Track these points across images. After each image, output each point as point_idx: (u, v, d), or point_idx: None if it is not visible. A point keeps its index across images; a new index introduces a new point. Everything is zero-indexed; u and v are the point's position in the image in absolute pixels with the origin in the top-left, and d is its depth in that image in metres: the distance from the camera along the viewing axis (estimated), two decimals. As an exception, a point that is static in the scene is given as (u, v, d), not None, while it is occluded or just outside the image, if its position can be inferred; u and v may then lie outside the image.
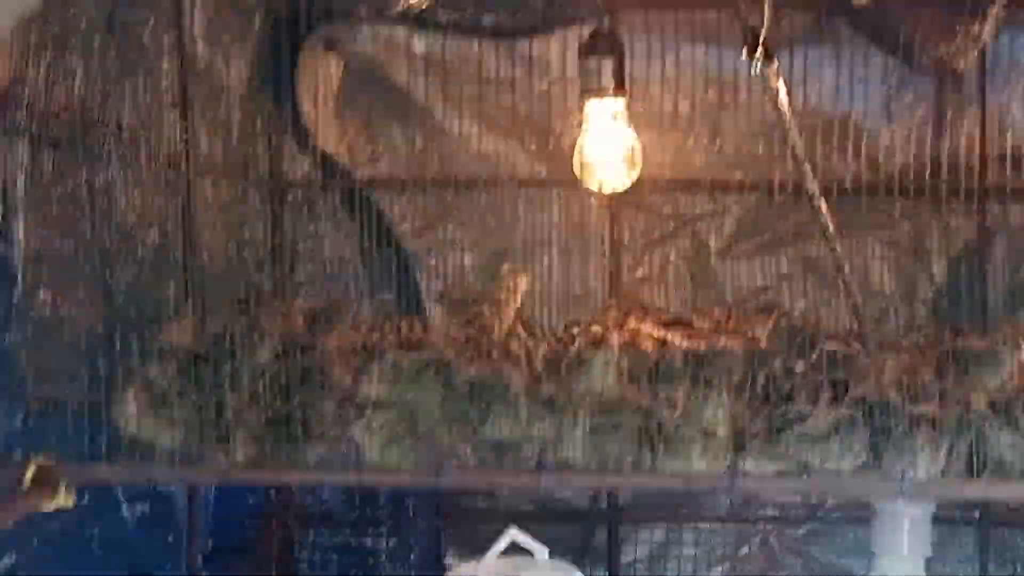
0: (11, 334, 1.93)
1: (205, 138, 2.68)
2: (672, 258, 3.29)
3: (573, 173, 2.89)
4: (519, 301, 2.80)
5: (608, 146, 2.69)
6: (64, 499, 1.71)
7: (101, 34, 2.16)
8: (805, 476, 1.74)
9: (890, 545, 2.33)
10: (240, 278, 2.73)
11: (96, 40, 2.15)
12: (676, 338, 2.33)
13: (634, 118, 2.74)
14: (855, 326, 2.45)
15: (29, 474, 1.69)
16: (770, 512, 3.27)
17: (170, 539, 2.42)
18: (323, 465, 1.72)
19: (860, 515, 3.14)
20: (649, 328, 2.52)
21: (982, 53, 2.94)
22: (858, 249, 3.19)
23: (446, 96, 3.20)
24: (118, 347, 1.95)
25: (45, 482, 1.70)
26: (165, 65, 2.33)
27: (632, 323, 2.60)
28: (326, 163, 3.17)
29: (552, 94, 3.04)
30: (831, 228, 2.47)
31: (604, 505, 3.26)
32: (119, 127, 2.21)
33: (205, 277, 2.42)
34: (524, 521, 2.52)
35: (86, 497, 2.18)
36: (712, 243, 3.29)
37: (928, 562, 2.40)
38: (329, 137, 3.17)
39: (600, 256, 3.17)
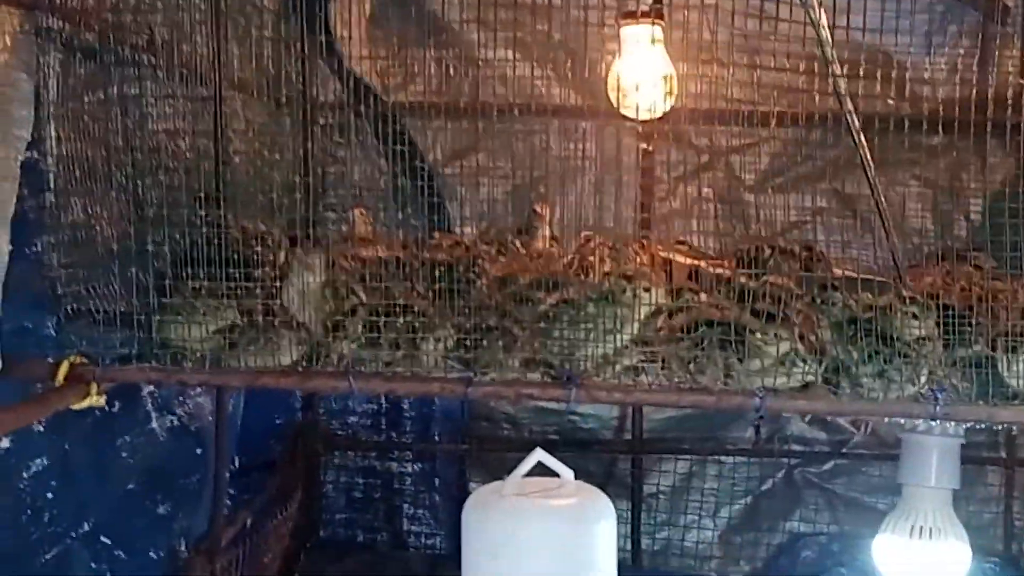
0: (44, 239, 1.93)
1: (236, 56, 2.66)
2: (704, 191, 3.26)
3: (606, 103, 2.86)
4: (549, 232, 2.80)
5: (644, 72, 2.65)
6: (95, 398, 1.73)
7: (134, -58, 2.14)
8: (835, 397, 1.71)
9: (918, 476, 2.32)
10: (270, 197, 2.72)
11: (129, -52, 2.12)
12: (709, 266, 2.31)
13: (670, 48, 2.70)
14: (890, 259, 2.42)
15: (62, 372, 1.71)
16: (795, 447, 3.27)
17: (198, 451, 2.44)
18: (353, 372, 1.72)
19: (884, 453, 3.15)
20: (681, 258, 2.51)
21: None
22: (894, 185, 3.16)
23: (480, 21, 3.16)
24: (151, 257, 1.95)
25: (78, 380, 1.71)
26: (198, -21, 2.30)
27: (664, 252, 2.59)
28: (357, 87, 3.14)
29: (588, 22, 2.99)
30: (870, 161, 2.43)
31: (628, 436, 3.27)
32: (150, 38, 2.18)
33: (237, 192, 2.41)
34: (548, 450, 2.54)
35: (116, 405, 2.21)
36: (745, 177, 3.26)
37: (955, 497, 2.40)
38: (361, 61, 3.14)
39: (632, 187, 3.14)
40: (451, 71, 3.18)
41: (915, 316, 1.72)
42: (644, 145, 2.96)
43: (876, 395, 1.68)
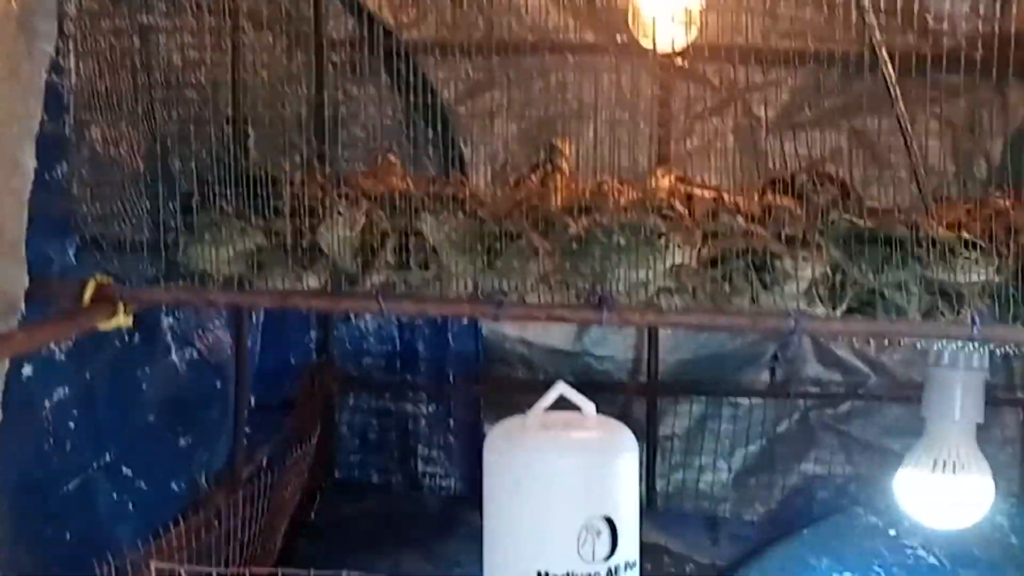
0: (64, 164, 1.90)
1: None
2: (721, 130, 3.23)
3: (623, 40, 2.82)
4: (567, 171, 2.76)
5: (664, 3, 2.62)
6: (122, 318, 1.70)
7: None
8: (870, 318, 1.69)
9: (942, 410, 2.32)
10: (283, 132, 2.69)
11: None
12: (731, 197, 2.29)
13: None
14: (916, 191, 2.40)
15: (89, 292, 1.68)
16: (810, 389, 3.26)
17: (217, 385, 2.42)
18: (384, 295, 1.69)
19: (901, 394, 3.14)
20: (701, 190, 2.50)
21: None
22: (913, 125, 3.12)
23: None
24: (175, 183, 1.92)
25: (104, 301, 1.69)
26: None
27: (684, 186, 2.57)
28: (370, 23, 3.09)
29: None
30: (900, 99, 2.42)
31: (644, 378, 3.26)
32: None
33: (253, 124, 2.38)
34: (563, 392, 2.52)
35: (136, 337, 2.19)
36: (763, 115, 3.22)
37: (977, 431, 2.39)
38: (375, -5, 3.10)
39: (649, 126, 3.11)
40: (465, 8, 3.13)
41: (976, 261, 1.69)
42: (673, 65, 2.91)
43: (907, 312, 1.66)
